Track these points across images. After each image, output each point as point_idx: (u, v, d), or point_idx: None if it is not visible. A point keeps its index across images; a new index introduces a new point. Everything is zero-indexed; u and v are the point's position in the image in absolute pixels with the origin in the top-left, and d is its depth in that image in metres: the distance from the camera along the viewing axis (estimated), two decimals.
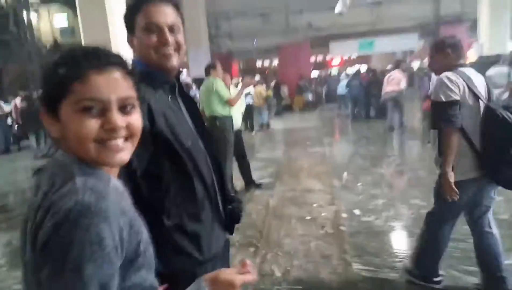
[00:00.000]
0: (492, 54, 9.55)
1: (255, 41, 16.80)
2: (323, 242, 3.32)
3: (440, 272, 2.47)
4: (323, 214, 3.99)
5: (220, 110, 4.46)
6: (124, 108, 0.72)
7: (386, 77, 8.70)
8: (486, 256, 2.30)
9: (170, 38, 1.10)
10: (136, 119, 0.75)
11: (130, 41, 1.15)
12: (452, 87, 2.09)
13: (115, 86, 0.71)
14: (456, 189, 2.12)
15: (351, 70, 22.89)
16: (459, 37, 2.32)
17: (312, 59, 20.53)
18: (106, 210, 0.63)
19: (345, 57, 24.05)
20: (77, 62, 0.69)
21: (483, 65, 8.13)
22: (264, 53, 20.09)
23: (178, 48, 1.14)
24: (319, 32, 16.48)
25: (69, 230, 0.60)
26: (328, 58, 23.30)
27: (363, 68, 17.34)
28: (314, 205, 4.29)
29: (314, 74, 21.30)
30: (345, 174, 5.50)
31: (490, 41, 11.58)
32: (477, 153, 2.13)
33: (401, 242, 3.33)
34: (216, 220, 1.21)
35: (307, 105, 16.11)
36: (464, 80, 2.12)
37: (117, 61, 0.73)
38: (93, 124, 0.68)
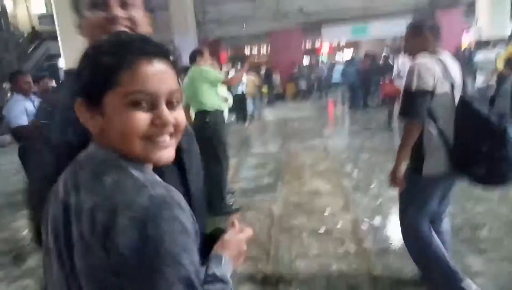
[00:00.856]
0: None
1: (244, 27, 16.00)
2: (346, 266, 2.67)
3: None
4: (338, 226, 3.33)
5: (211, 102, 3.76)
6: (170, 103, 0.66)
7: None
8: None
9: (121, 13, 0.89)
10: (182, 114, 0.69)
11: (78, 26, 0.93)
12: (425, 76, 1.90)
13: (164, 78, 0.65)
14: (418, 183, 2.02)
15: (339, 56, 22.21)
16: (438, 22, 2.13)
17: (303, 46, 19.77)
18: (178, 199, 0.62)
19: (335, 44, 23.27)
20: (125, 50, 0.63)
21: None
22: (254, 40, 19.31)
23: (133, 25, 0.90)
24: (311, 17, 15.76)
25: (156, 226, 0.57)
26: (318, 44, 22.53)
27: (355, 54, 16.69)
28: (326, 213, 3.63)
29: (306, 61, 20.53)
30: (355, 172, 4.86)
31: (489, 25, 11.03)
32: (448, 147, 1.96)
33: None
34: None
35: (300, 93, 15.45)
36: (440, 68, 1.93)
37: (163, 51, 0.67)
38: (143, 120, 0.63)
